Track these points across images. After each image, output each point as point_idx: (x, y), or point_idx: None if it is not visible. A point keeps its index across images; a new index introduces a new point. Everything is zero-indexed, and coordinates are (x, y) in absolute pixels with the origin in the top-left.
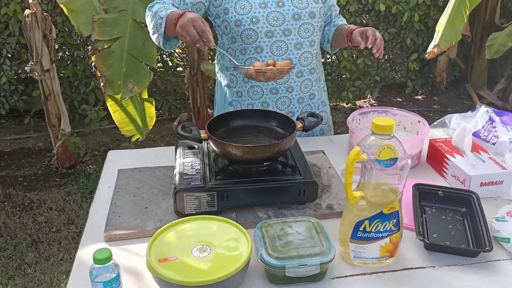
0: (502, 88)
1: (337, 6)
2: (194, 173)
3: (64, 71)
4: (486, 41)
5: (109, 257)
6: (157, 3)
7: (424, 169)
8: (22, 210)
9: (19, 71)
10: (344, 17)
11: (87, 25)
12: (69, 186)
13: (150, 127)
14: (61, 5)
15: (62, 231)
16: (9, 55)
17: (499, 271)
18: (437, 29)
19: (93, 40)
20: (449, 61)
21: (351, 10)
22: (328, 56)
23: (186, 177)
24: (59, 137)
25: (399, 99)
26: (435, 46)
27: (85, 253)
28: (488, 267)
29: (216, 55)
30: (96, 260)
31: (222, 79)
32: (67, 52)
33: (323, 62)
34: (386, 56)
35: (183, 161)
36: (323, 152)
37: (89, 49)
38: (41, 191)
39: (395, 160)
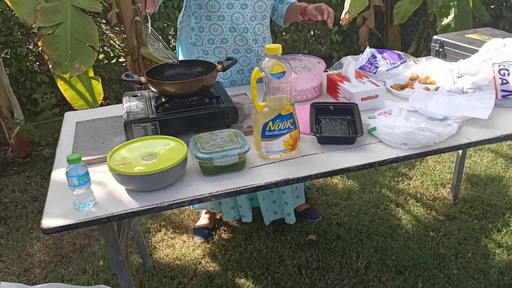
0: (413, 51)
1: None
2: (139, 110)
3: (8, 69)
4: None
5: (79, 158)
6: None
7: (325, 98)
8: None
9: None
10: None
11: (30, 15)
12: (27, 171)
13: (99, 101)
14: None
15: (27, 207)
16: None
17: (369, 150)
18: None
19: (37, 28)
20: (369, 31)
21: None
22: None
23: (133, 113)
24: (14, 126)
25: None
26: (346, 13)
27: (57, 176)
28: (361, 149)
29: (181, 14)
30: (69, 161)
31: (187, 36)
32: (11, 52)
33: None
34: (311, 31)
35: (129, 104)
36: (246, 94)
37: (35, 37)
38: (1, 179)
39: (283, 73)
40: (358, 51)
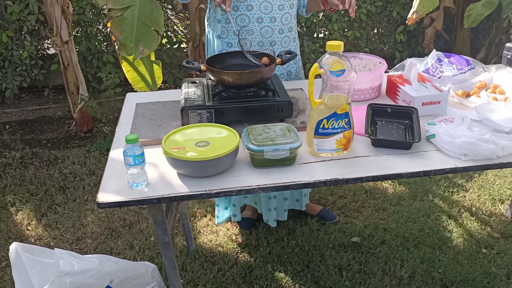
0: (483, 57)
1: None
2: (196, 97)
3: (78, 47)
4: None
5: (137, 139)
6: None
7: (383, 99)
8: (49, 165)
9: (39, 47)
10: None
11: None
12: (87, 146)
13: (158, 85)
14: None
15: (85, 179)
16: (29, 32)
17: (425, 157)
18: None
19: (107, 9)
20: (435, 33)
21: None
22: (321, 30)
23: (190, 99)
24: (79, 102)
25: (388, 70)
26: (413, 12)
27: (115, 155)
28: (418, 155)
29: (208, 9)
30: (128, 140)
31: (213, 30)
32: (81, 30)
33: (316, 36)
34: (375, 29)
35: (187, 90)
36: (302, 89)
37: (105, 17)
38: (63, 150)
39: (343, 71)
40: (423, 53)
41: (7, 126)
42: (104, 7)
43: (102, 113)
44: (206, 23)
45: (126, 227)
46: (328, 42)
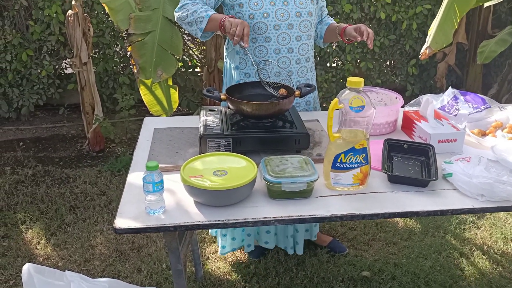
0: (495, 93)
1: (326, 8)
2: (215, 125)
3: (95, 68)
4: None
5: (157, 166)
6: (188, 3)
7: (399, 134)
8: (60, 183)
9: (57, 66)
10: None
11: (124, 21)
12: (99, 166)
13: (174, 109)
14: (103, 4)
15: (95, 200)
16: (49, 52)
17: (442, 196)
18: (429, 32)
19: (128, 34)
20: (447, 67)
21: (354, 18)
22: (334, 60)
23: (209, 127)
24: (93, 122)
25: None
26: (427, 48)
27: (132, 179)
28: (434, 193)
29: (226, 41)
30: (148, 168)
31: (231, 61)
32: (99, 52)
33: (329, 66)
34: (387, 61)
35: (206, 118)
36: (318, 121)
37: (125, 42)
38: (75, 169)
39: (362, 107)
40: (434, 87)
41: (21, 143)
42: (125, 32)
43: (115, 133)
44: (224, 53)
45: (134, 250)
46: (349, 78)
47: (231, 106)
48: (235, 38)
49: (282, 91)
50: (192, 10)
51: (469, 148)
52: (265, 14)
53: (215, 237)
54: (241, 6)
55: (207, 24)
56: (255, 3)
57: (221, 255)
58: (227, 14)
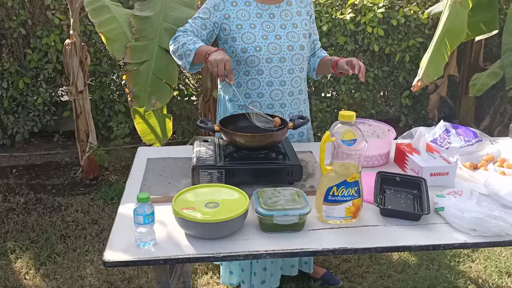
0: (487, 125)
1: (319, 41)
2: (208, 156)
3: (91, 95)
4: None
5: (148, 198)
6: (180, 35)
7: (391, 167)
8: (52, 211)
9: (53, 94)
10: (342, 56)
11: (120, 51)
12: (92, 194)
13: (168, 138)
14: (100, 34)
15: (87, 229)
16: (45, 80)
17: (434, 230)
18: (421, 65)
19: (124, 63)
20: (440, 99)
21: (348, 50)
22: (329, 91)
23: (202, 158)
24: (87, 150)
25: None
26: (418, 80)
27: (124, 210)
28: (427, 227)
29: None
30: (139, 199)
31: (225, 94)
32: (96, 80)
33: (323, 96)
34: (381, 92)
35: (199, 149)
36: (311, 152)
37: (121, 71)
38: (67, 197)
39: (354, 140)
40: (427, 118)
41: (14, 170)
42: (121, 61)
43: (110, 161)
44: (219, 85)
45: (125, 281)
46: (341, 112)
47: (224, 137)
48: (219, 78)
49: (276, 120)
50: (182, 43)
51: (461, 181)
52: (257, 48)
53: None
54: (234, 40)
55: (194, 57)
56: (248, 37)
57: (221, 283)
58: (221, 47)
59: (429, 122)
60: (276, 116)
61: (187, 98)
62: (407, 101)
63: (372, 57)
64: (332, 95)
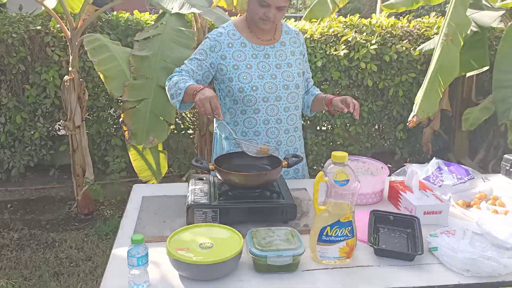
0: (482, 158)
1: (311, 78)
2: (203, 195)
3: (88, 130)
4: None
5: (142, 239)
6: (175, 75)
7: (385, 205)
8: (46, 248)
9: (50, 128)
10: (337, 90)
11: (118, 89)
12: (87, 229)
13: (163, 175)
14: (99, 72)
15: (80, 265)
16: (43, 115)
17: (428, 271)
18: (415, 101)
19: (122, 101)
20: (433, 133)
21: (342, 84)
22: (324, 124)
23: (196, 197)
24: (83, 185)
25: (389, 165)
26: (414, 116)
27: (118, 250)
28: (420, 267)
29: None
30: (133, 241)
31: (221, 132)
32: (93, 114)
33: (319, 129)
34: (376, 126)
35: (194, 187)
36: (306, 189)
37: (120, 107)
38: (62, 233)
39: (347, 181)
40: (421, 151)
41: (9, 205)
42: (119, 98)
43: (105, 195)
44: (214, 124)
45: None
46: (334, 153)
47: (219, 176)
48: (208, 116)
49: (263, 148)
50: (175, 82)
51: (454, 219)
52: (254, 88)
53: None
54: (230, 80)
55: (184, 96)
56: (244, 77)
57: None
58: (217, 87)
59: (424, 156)
60: (265, 145)
61: (183, 132)
62: (401, 134)
63: (366, 91)
64: (327, 128)
